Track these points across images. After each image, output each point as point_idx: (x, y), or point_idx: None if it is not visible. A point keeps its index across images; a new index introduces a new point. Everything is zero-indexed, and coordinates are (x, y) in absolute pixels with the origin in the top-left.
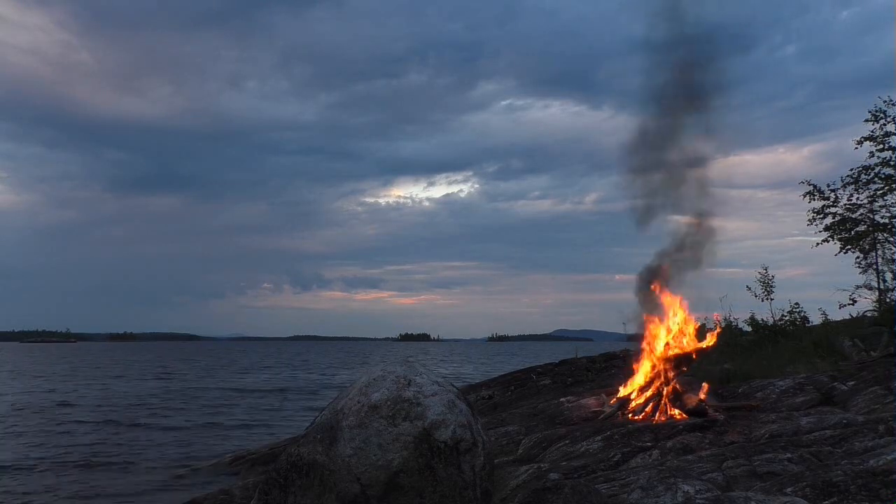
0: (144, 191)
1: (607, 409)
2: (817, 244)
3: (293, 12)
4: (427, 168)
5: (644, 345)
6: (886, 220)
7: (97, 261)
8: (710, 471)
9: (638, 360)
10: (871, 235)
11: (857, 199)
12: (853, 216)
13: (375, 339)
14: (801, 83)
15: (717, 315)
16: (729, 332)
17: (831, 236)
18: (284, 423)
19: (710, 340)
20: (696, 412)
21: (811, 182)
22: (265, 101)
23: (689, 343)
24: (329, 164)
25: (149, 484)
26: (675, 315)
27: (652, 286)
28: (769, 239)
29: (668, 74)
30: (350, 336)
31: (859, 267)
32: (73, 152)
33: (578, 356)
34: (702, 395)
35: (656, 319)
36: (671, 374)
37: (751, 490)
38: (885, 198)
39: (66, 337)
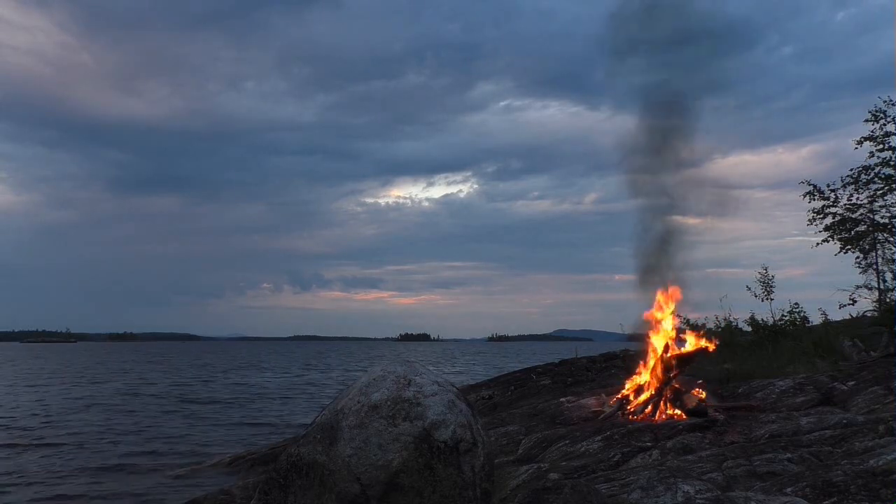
0: (144, 191)
1: (607, 409)
2: (817, 244)
3: (291, 13)
4: (426, 168)
5: (644, 345)
6: (886, 220)
7: (97, 261)
8: (710, 471)
9: (638, 361)
10: (871, 235)
11: (857, 199)
12: (853, 216)
13: (375, 339)
14: (798, 84)
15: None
16: (729, 332)
17: (831, 236)
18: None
19: (705, 342)
20: (696, 412)
21: (811, 182)
22: (264, 101)
23: (688, 343)
24: (328, 165)
25: (148, 484)
26: (672, 316)
27: (652, 287)
28: (769, 239)
29: (665, 75)
30: (350, 336)
31: (859, 267)
32: (73, 153)
33: (578, 356)
34: (698, 395)
35: (656, 320)
36: (671, 375)
37: (751, 490)
38: (885, 198)
39: (67, 337)
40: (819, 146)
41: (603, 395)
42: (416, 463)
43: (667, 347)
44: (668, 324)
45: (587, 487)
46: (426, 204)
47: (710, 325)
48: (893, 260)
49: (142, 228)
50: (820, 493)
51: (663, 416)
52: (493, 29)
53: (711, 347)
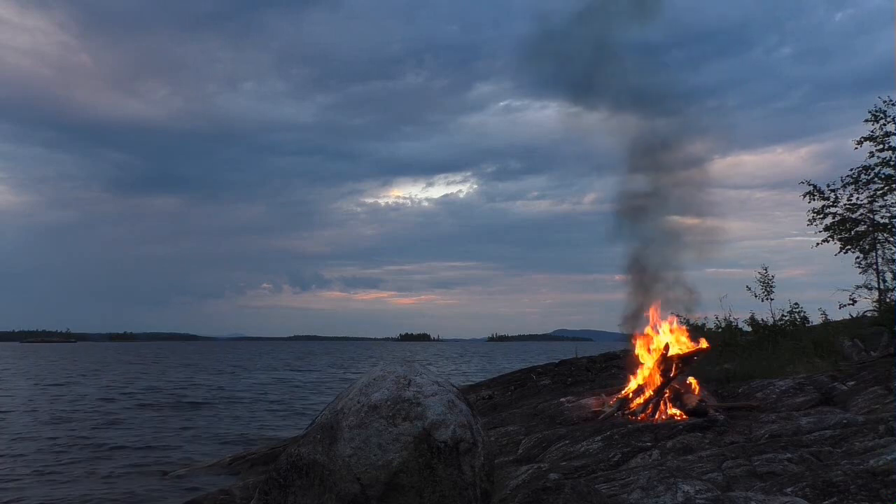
0: (143, 191)
1: (607, 409)
2: (817, 244)
3: (289, 14)
4: (426, 169)
5: (644, 345)
6: (886, 220)
7: (97, 261)
8: (710, 471)
9: (638, 361)
10: (871, 235)
11: (857, 199)
12: (853, 216)
13: (375, 339)
14: (797, 84)
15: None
16: (729, 332)
17: (831, 236)
18: None
19: (703, 343)
20: (696, 412)
21: (811, 182)
22: (262, 102)
23: (688, 344)
24: (327, 165)
25: (147, 485)
26: (669, 316)
27: (645, 287)
28: (768, 239)
29: (663, 76)
30: (350, 336)
31: (859, 267)
32: (72, 153)
33: (578, 356)
34: (694, 391)
35: (653, 320)
36: (671, 375)
37: (751, 490)
38: (885, 198)
39: (67, 337)
40: (818, 146)
41: (603, 395)
42: (416, 463)
43: (667, 348)
44: (667, 325)
45: (587, 487)
46: (426, 204)
47: (711, 325)
48: (893, 260)
49: (142, 228)
50: (820, 493)
51: (663, 416)
52: (491, 30)
53: (708, 346)
